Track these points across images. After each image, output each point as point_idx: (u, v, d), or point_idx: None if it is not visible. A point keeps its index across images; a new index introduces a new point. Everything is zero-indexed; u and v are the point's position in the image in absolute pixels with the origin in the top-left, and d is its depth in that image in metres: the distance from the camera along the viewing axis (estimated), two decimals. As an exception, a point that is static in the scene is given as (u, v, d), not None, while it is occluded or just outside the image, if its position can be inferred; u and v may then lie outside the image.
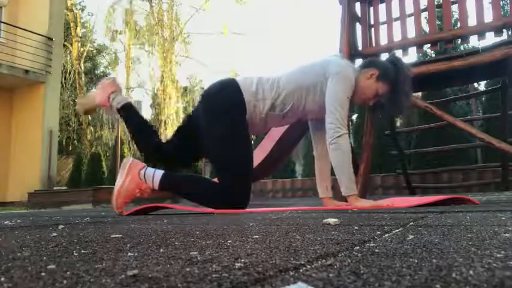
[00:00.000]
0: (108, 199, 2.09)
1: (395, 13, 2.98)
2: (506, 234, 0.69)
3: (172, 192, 2.20)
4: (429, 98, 4.69)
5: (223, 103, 1.95)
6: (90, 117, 16.93)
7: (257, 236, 0.78)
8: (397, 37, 2.94)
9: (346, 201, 1.91)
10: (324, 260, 0.50)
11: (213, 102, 1.99)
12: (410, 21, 2.93)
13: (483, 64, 2.56)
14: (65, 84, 15.95)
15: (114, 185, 1.94)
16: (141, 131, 2.14)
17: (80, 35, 17.33)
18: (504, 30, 2.62)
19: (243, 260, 0.52)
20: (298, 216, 1.32)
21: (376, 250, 0.57)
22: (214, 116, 1.96)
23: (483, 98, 7.06)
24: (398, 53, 2.91)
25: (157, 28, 16.25)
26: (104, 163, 10.66)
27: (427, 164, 5.90)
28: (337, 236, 0.76)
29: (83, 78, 17.00)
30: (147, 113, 19.12)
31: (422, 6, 2.94)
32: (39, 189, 8.07)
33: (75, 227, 1.20)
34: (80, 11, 18.15)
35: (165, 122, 15.30)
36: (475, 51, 2.62)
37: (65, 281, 0.42)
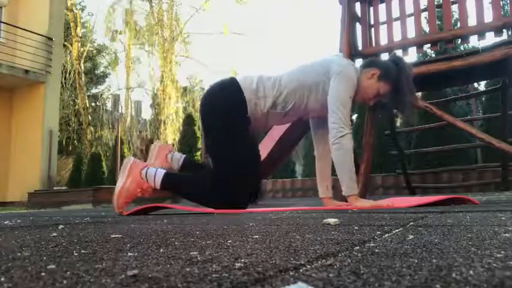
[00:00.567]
0: (109, 199, 2.09)
1: (395, 13, 2.98)
2: (506, 234, 0.69)
3: (173, 192, 2.20)
4: (429, 98, 4.68)
5: (224, 103, 1.95)
6: (90, 117, 16.94)
7: (257, 236, 0.78)
8: (397, 37, 2.94)
9: (346, 201, 1.91)
10: (324, 260, 0.50)
11: (214, 102, 1.99)
12: (410, 21, 2.93)
13: (483, 64, 2.56)
14: (65, 84, 15.93)
15: (114, 185, 1.94)
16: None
17: (80, 35, 17.32)
18: (504, 30, 2.61)
19: (243, 260, 0.52)
20: (298, 216, 1.32)
21: (376, 250, 0.57)
22: (215, 116, 1.96)
23: (483, 98, 7.07)
24: (398, 53, 2.90)
25: (157, 28, 16.25)
26: (104, 163, 10.67)
27: (427, 164, 5.90)
28: (337, 236, 0.76)
29: (83, 78, 16.98)
30: (147, 113, 19.13)
31: (422, 6, 2.94)
32: (39, 189, 8.07)
33: (75, 227, 1.20)
34: (80, 11, 18.13)
35: (164, 122, 15.30)
36: (475, 51, 2.61)
37: (65, 281, 0.42)
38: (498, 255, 0.49)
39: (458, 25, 2.77)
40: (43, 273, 0.46)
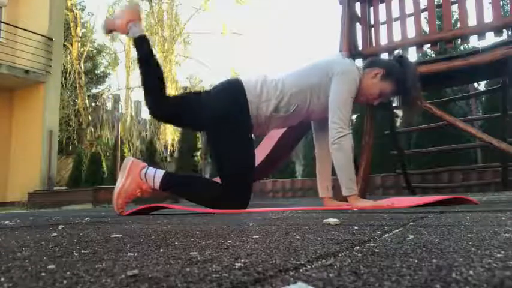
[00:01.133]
0: (108, 199, 2.09)
1: (396, 13, 2.98)
2: (506, 234, 0.69)
3: (173, 192, 2.19)
4: (429, 98, 4.68)
5: (225, 104, 1.95)
6: (90, 117, 16.93)
7: (257, 236, 0.78)
8: (397, 37, 2.94)
9: (347, 201, 1.91)
10: (324, 260, 0.50)
11: (215, 103, 1.99)
12: (410, 21, 2.93)
13: (483, 64, 2.56)
14: (65, 84, 15.92)
15: (114, 185, 1.94)
16: (150, 64, 2.02)
17: (80, 35, 17.32)
18: (504, 30, 2.62)
19: (243, 260, 0.52)
20: (298, 216, 1.32)
21: (376, 250, 0.57)
22: (216, 117, 1.96)
23: (483, 98, 7.06)
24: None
25: (157, 28, 16.26)
26: (104, 163, 10.65)
27: (427, 164, 5.90)
28: (337, 236, 0.76)
29: (83, 78, 16.98)
30: (147, 113, 19.07)
31: (422, 6, 2.94)
32: (39, 189, 8.07)
33: (75, 227, 1.20)
34: (80, 11, 18.12)
35: (164, 122, 15.27)
36: (475, 51, 2.62)
37: (65, 281, 0.42)
38: (498, 255, 0.49)
39: (458, 25, 2.77)
40: (43, 273, 0.46)
